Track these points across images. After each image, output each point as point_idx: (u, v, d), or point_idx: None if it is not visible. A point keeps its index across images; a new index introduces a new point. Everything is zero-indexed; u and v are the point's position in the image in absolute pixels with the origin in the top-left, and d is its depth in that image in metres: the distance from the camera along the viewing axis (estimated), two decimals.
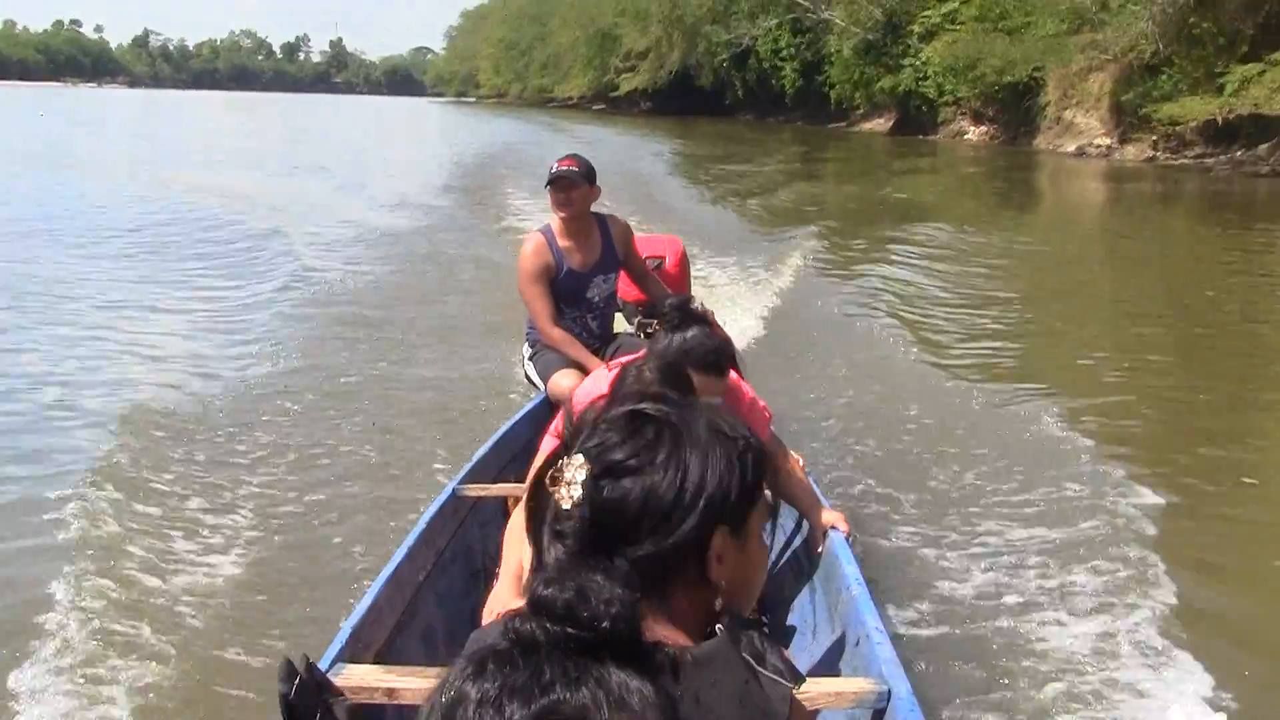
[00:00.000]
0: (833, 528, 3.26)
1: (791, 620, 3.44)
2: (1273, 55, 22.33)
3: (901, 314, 9.34)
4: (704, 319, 3.14)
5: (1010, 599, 4.10)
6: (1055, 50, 30.22)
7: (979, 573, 4.32)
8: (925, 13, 38.24)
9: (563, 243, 4.72)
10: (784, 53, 49.10)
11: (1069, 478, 5.17)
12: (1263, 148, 23.38)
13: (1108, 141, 28.98)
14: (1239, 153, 24.00)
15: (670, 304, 3.20)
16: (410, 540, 3.20)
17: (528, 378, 4.96)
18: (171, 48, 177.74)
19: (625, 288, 5.00)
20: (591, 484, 1.13)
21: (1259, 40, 22.30)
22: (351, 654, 2.54)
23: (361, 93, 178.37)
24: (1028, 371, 7.68)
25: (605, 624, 0.97)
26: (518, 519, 2.95)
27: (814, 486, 3.52)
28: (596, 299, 4.82)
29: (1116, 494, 4.93)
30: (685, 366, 2.84)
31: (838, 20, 42.78)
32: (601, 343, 4.83)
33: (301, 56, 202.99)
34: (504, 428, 4.29)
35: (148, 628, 3.75)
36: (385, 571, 2.99)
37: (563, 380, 4.42)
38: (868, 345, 8.23)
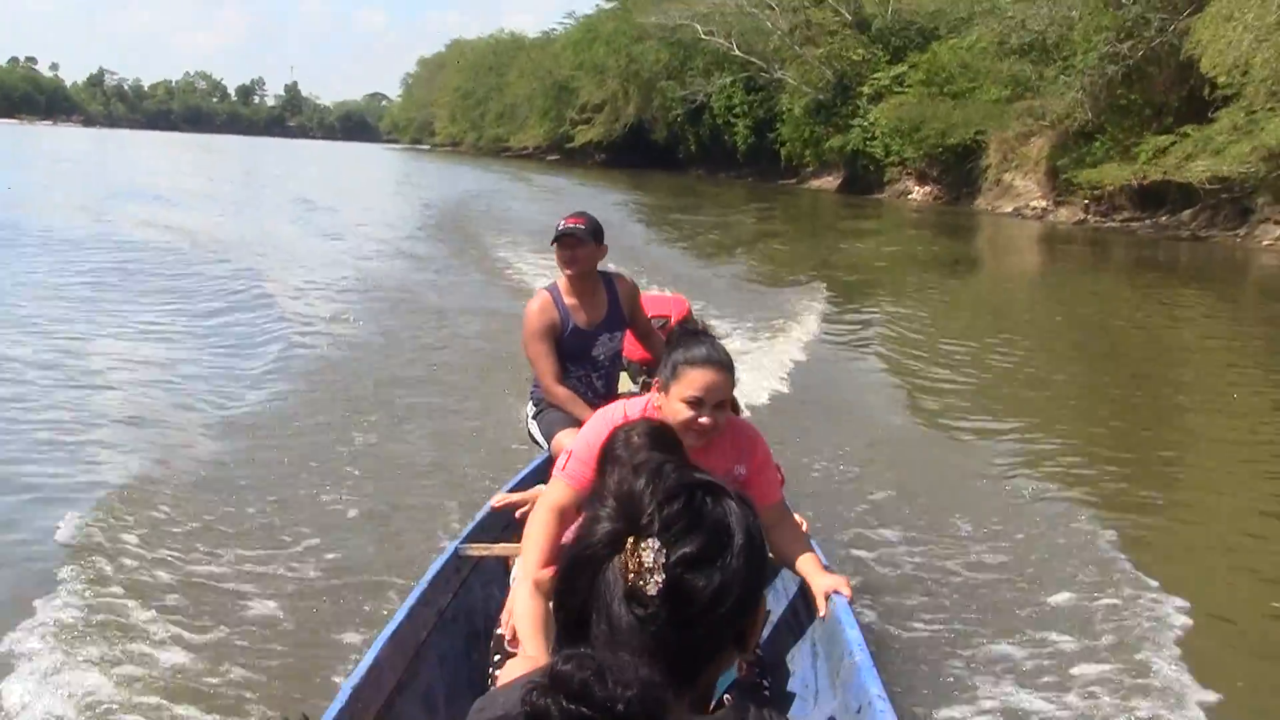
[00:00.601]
0: (835, 592, 3.23)
1: (792, 684, 3.44)
2: (1183, 128, 23.89)
3: (872, 370, 9.79)
4: (706, 333, 3.32)
5: (1016, 674, 4.12)
6: (995, 116, 31.69)
7: (982, 642, 4.34)
8: (875, 75, 39.78)
9: (569, 300, 4.71)
10: (737, 109, 49.97)
11: (1078, 559, 5.17)
12: (1185, 213, 24.81)
13: (1044, 204, 30.35)
14: (1164, 217, 25.42)
15: (675, 330, 3.40)
16: (411, 600, 3.20)
17: (531, 436, 4.92)
18: (127, 88, 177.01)
19: (630, 346, 5.00)
20: (672, 571, 1.15)
21: (1183, 112, 23.68)
22: (351, 714, 2.54)
23: (315, 137, 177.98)
24: (1004, 424, 7.90)
25: (620, 707, 0.98)
26: (523, 590, 2.95)
27: (817, 550, 3.49)
28: (602, 357, 4.80)
29: (1129, 585, 4.89)
30: (673, 430, 2.95)
31: (790, 80, 44.01)
32: (606, 402, 4.70)
33: (256, 100, 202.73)
34: (506, 487, 4.21)
35: (145, 684, 3.76)
36: (385, 631, 2.99)
37: (566, 439, 4.27)
38: (860, 406, 8.45)
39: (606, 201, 29.15)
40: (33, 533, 5.22)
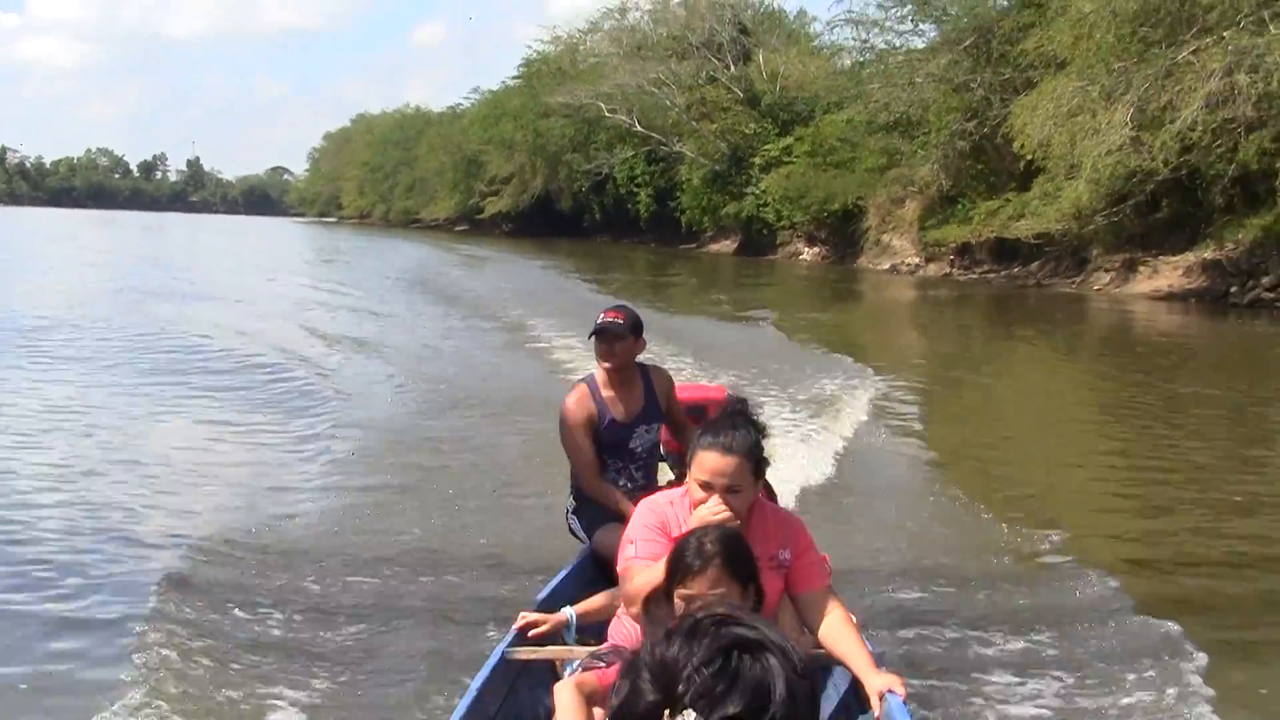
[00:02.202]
0: (890, 691, 3.11)
1: None
2: (1006, 194, 27.86)
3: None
4: (742, 415, 3.37)
5: None
6: (871, 184, 35.57)
7: None
8: (765, 147, 43.43)
9: (606, 393, 4.71)
10: (639, 179, 52.96)
11: (1132, 649, 4.98)
12: (1033, 265, 28.67)
13: (916, 260, 34.16)
14: (1016, 269, 29.25)
15: (732, 405, 3.47)
16: (462, 708, 3.18)
17: (572, 531, 4.88)
18: (29, 165, 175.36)
19: (665, 438, 4.96)
20: None
21: (1022, 179, 27.53)
22: None
23: (219, 211, 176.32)
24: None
25: None
26: (565, 696, 2.97)
27: (868, 646, 3.37)
28: (640, 450, 4.79)
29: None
30: (744, 539, 2.98)
31: (688, 152, 47.52)
32: (645, 494, 4.43)
33: (158, 175, 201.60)
34: (549, 585, 4.18)
35: None
36: None
37: (608, 536, 4.26)
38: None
39: (533, 265, 32.19)
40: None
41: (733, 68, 48.62)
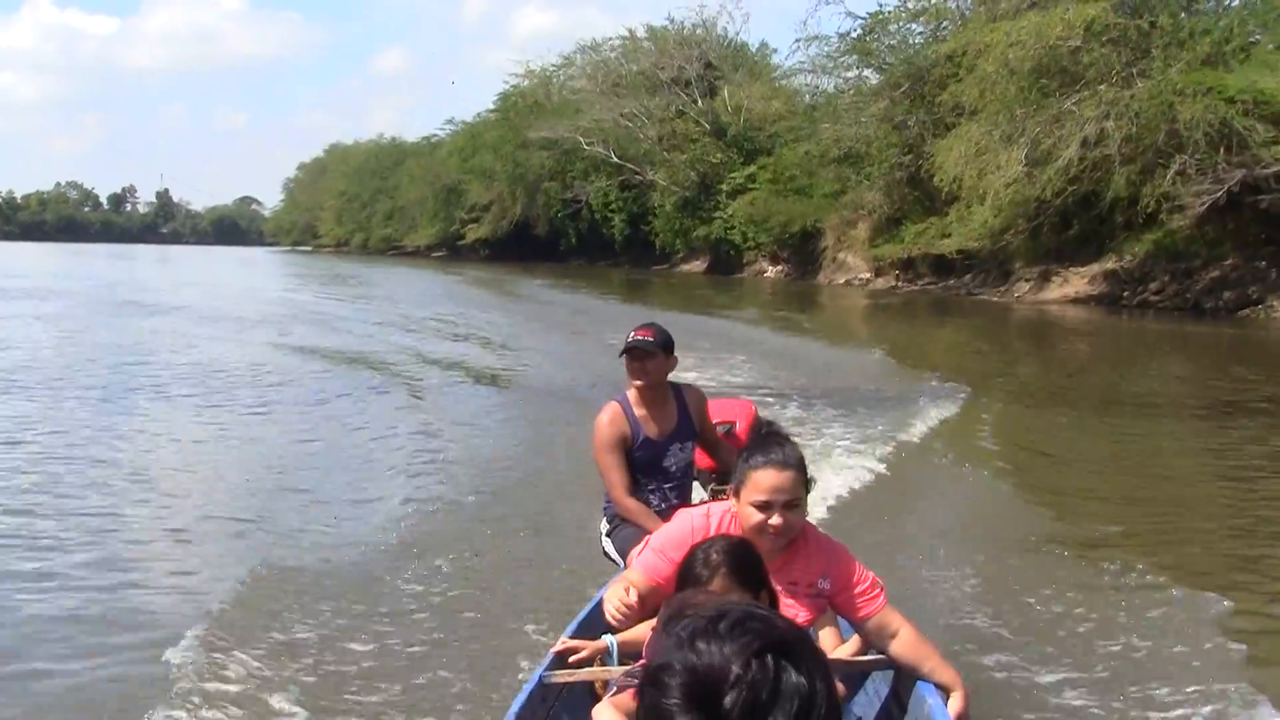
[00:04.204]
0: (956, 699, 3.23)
1: None
2: (929, 219, 32.81)
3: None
4: (778, 434, 3.55)
5: None
6: (827, 208, 40.14)
7: None
8: (732, 174, 47.67)
9: (638, 411, 4.68)
10: (613, 205, 56.96)
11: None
12: (966, 277, 33.31)
13: (867, 275, 38.76)
14: (951, 281, 33.88)
15: (752, 436, 3.72)
16: None
17: (606, 554, 4.84)
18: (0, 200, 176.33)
19: (700, 456, 4.93)
20: None
21: (953, 203, 32.11)
22: None
23: (189, 242, 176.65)
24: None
25: None
26: (605, 718, 3.00)
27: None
28: (674, 468, 4.75)
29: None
30: (752, 546, 3.01)
31: (660, 180, 51.78)
32: None
33: (129, 207, 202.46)
34: (587, 609, 4.06)
35: None
36: None
37: None
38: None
39: (532, 284, 36.33)
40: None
41: (700, 102, 52.91)
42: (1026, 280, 30.85)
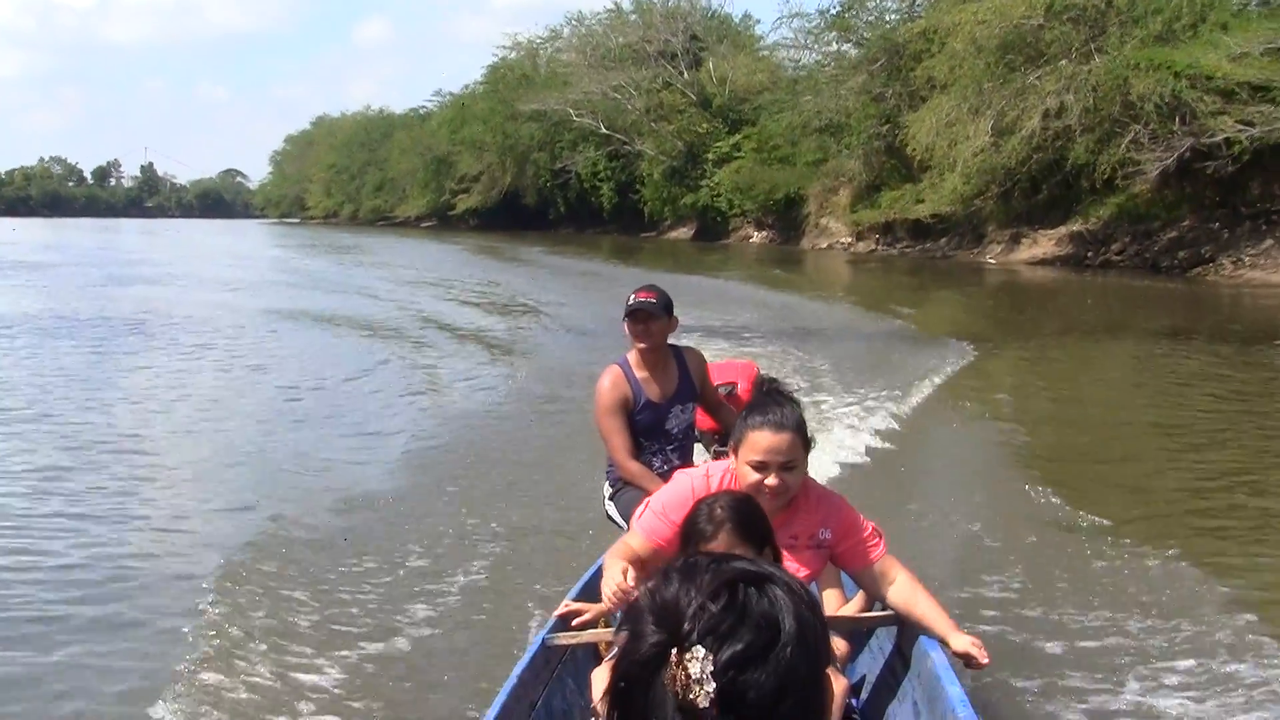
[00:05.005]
0: (968, 656, 3.18)
1: None
2: (904, 186, 34.71)
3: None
4: (779, 394, 3.62)
5: None
6: (809, 176, 41.96)
7: (1089, 700, 4.35)
8: (717, 144, 49.37)
9: (640, 374, 4.67)
10: (601, 175, 58.68)
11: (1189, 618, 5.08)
12: (942, 240, 35.22)
13: (849, 239, 40.63)
14: (928, 244, 35.80)
15: (755, 395, 3.74)
16: (503, 695, 3.13)
17: (609, 517, 4.82)
18: None
19: (700, 417, 4.93)
20: (722, 676, 1.08)
21: (927, 169, 33.95)
22: None
23: (174, 216, 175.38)
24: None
25: None
26: (603, 678, 2.92)
27: (942, 608, 3.38)
28: (675, 430, 4.76)
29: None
30: (755, 501, 3.00)
31: (648, 150, 53.48)
32: None
33: (113, 182, 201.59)
34: (589, 572, 4.12)
35: None
36: None
37: None
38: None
39: (532, 250, 38.17)
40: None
41: (685, 74, 54.55)
42: (998, 243, 32.81)
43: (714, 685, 1.07)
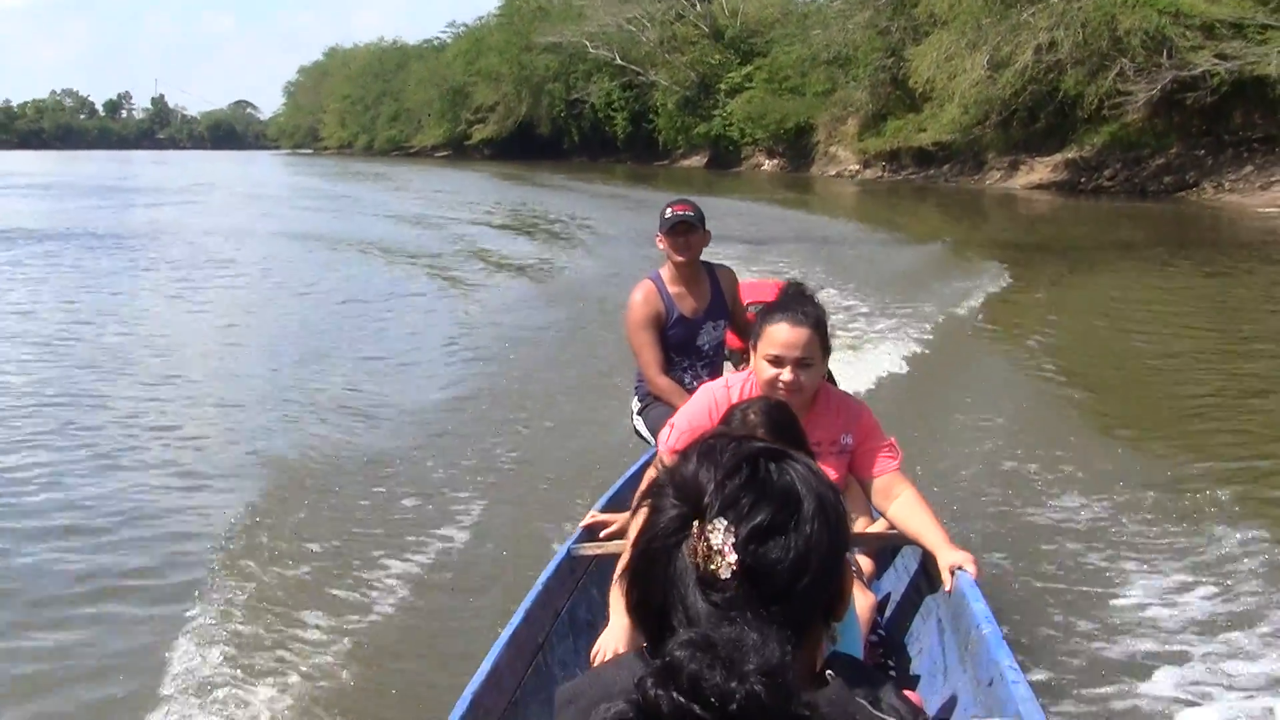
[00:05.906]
0: (960, 569, 3.11)
1: (919, 663, 3.38)
2: (907, 115, 36.60)
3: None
4: (803, 294, 3.41)
5: (1155, 648, 4.05)
6: (819, 106, 43.80)
7: (1111, 610, 4.35)
8: (729, 74, 50.87)
9: (673, 289, 4.66)
10: (615, 105, 60.01)
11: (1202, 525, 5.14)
12: (945, 167, 37.19)
13: (857, 167, 42.61)
14: (931, 170, 37.75)
15: (792, 286, 3.56)
16: (528, 603, 3.16)
17: (637, 432, 4.85)
18: None
19: (729, 337, 4.90)
20: (744, 548, 1.09)
21: (928, 100, 35.78)
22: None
23: (185, 147, 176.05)
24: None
25: (733, 707, 0.93)
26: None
27: (941, 524, 3.34)
28: (707, 347, 4.74)
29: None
30: (788, 408, 2.92)
31: (662, 81, 54.88)
32: None
33: (124, 114, 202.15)
34: (617, 484, 4.14)
35: (262, 692, 3.84)
36: (504, 636, 2.96)
37: None
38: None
39: (555, 177, 40.28)
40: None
41: (698, 6, 55.64)
42: (997, 169, 34.77)
43: (735, 556, 1.08)
